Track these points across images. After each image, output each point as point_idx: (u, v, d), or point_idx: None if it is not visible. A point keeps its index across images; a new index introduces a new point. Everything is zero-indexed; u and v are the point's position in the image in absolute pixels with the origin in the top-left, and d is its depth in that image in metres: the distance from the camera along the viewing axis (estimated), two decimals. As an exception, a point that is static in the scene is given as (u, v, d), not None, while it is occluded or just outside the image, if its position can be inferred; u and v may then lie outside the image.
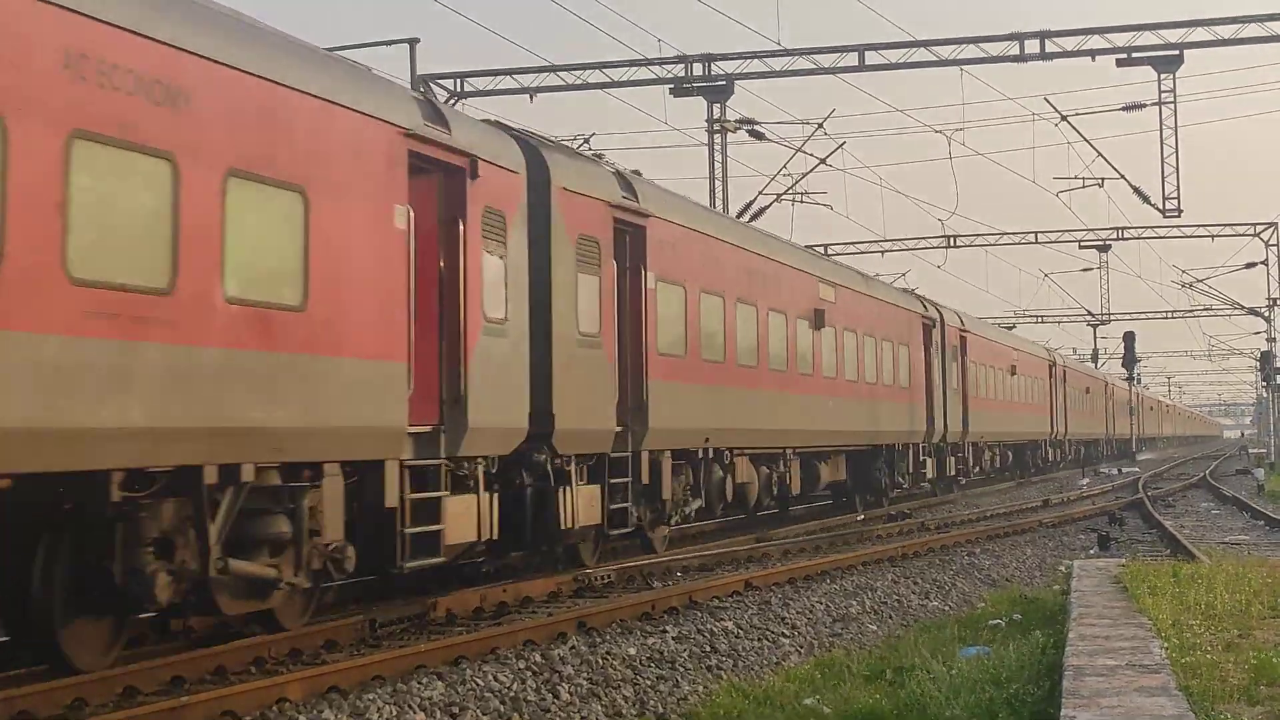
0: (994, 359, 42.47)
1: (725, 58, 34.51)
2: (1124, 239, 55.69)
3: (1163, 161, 35.96)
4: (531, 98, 34.88)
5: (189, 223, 10.36)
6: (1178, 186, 36.15)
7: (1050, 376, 54.94)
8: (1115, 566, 16.73)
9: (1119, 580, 14.89)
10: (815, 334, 25.75)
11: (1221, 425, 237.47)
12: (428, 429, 13.55)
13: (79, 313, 9.36)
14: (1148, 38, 32.52)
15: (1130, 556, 19.50)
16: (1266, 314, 63.98)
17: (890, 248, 54.88)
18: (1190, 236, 54.47)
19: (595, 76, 34.42)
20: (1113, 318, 75.87)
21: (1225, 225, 55.16)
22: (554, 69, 34.56)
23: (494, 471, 14.89)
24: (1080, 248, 58.06)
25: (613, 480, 17.53)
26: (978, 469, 41.16)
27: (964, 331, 38.54)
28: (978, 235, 55.97)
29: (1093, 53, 32.38)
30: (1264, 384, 71.78)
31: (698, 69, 34.47)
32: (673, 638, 13.41)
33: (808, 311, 25.41)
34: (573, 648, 12.57)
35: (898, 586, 18.33)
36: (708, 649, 13.22)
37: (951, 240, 54.51)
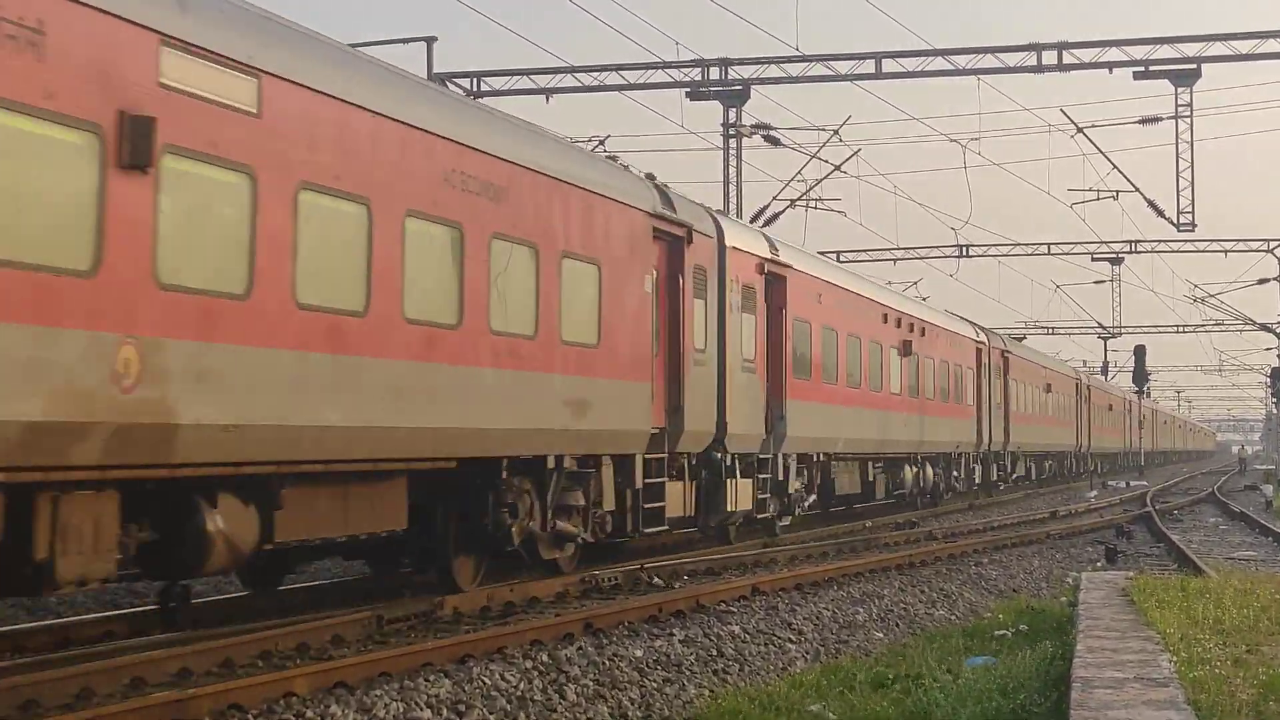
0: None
1: (742, 62, 34.49)
2: (1137, 252, 55.67)
3: (1177, 175, 35.91)
4: (548, 98, 34.93)
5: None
6: (1192, 200, 36.12)
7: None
8: (1123, 579, 16.72)
9: (1127, 593, 14.88)
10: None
11: (1220, 439, 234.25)
12: None
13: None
14: (1165, 51, 32.48)
15: (1138, 570, 19.46)
16: (1278, 330, 63.88)
17: (903, 256, 54.89)
18: (1203, 251, 54.40)
19: (612, 78, 34.42)
20: (1124, 331, 75.77)
21: (1238, 240, 55.10)
22: (571, 70, 34.57)
23: None
24: (1093, 260, 58.10)
25: None
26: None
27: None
28: (991, 245, 55.96)
29: (1110, 65, 32.35)
30: (1274, 400, 71.60)
31: (714, 73, 34.46)
32: (679, 641, 13.40)
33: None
34: (580, 648, 12.57)
35: (905, 595, 18.30)
36: (714, 653, 13.21)
37: (964, 250, 54.48)
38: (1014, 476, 47.79)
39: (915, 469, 33.89)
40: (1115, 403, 79.95)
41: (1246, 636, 11.77)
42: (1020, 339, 59.71)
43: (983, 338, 41.62)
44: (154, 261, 10.17)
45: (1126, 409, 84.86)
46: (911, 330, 32.48)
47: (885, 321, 30.53)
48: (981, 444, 40.85)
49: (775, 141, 36.33)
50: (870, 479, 30.38)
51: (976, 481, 41.42)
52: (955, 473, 38.68)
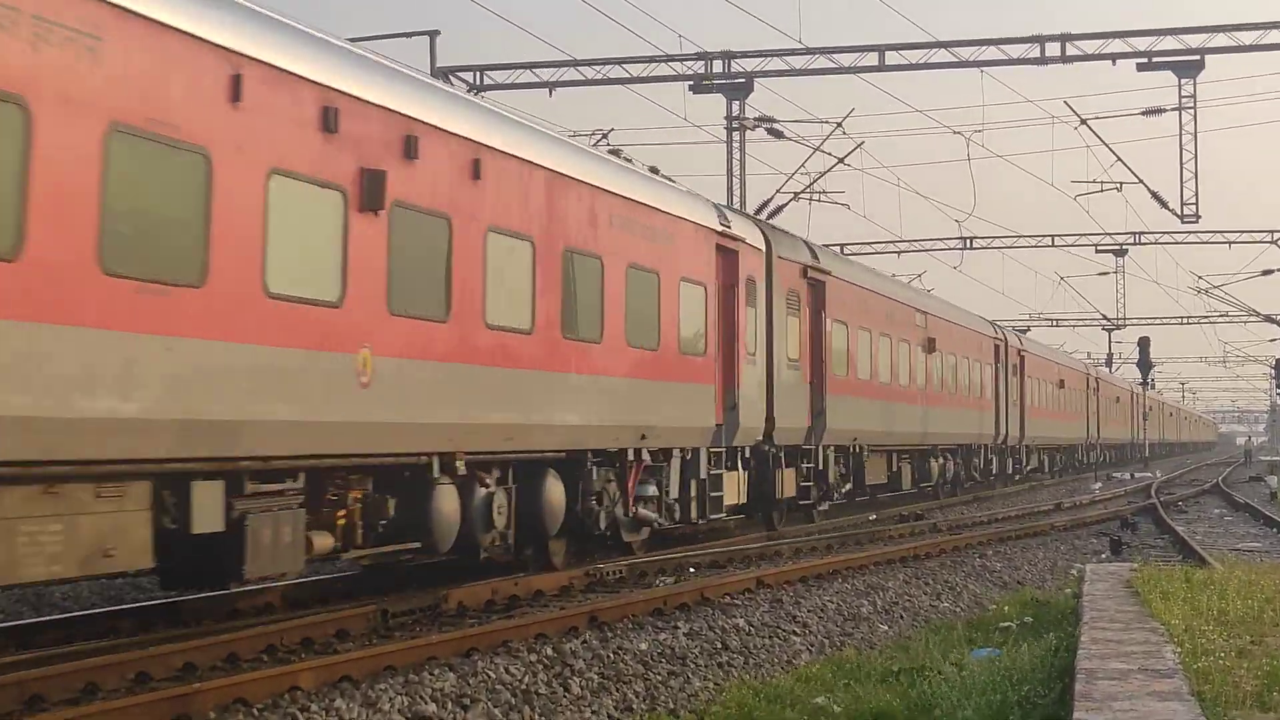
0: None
1: (745, 55, 34.49)
2: (1141, 243, 55.64)
3: (1181, 166, 35.88)
4: (551, 92, 34.91)
5: None
6: (1196, 192, 36.09)
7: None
8: (1127, 571, 16.70)
9: (1131, 585, 14.86)
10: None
11: (1224, 430, 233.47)
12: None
13: None
14: (1169, 42, 32.45)
15: (1142, 561, 19.45)
16: (1282, 321, 63.81)
17: (907, 248, 54.86)
18: (1207, 242, 54.34)
19: (615, 72, 34.41)
20: (1128, 322, 75.74)
21: (1242, 231, 55.00)
22: (574, 64, 34.55)
23: None
24: (1097, 252, 58.06)
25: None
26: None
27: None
28: (995, 237, 55.91)
29: (1113, 56, 32.31)
30: (1278, 392, 71.53)
31: (718, 66, 34.46)
32: (684, 634, 13.40)
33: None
34: (584, 642, 12.58)
35: (909, 587, 18.31)
36: (719, 646, 13.22)
37: (968, 242, 54.44)
38: (845, 488, 27.69)
39: (600, 484, 17.41)
40: (1070, 378, 60.09)
41: (1251, 628, 11.76)
42: (1024, 331, 59.49)
43: (759, 241, 22.79)
44: None
45: (1090, 388, 67.06)
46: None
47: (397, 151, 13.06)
48: (740, 431, 21.32)
49: (778, 134, 36.30)
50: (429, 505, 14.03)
51: (739, 501, 21.81)
52: (699, 479, 19.86)
